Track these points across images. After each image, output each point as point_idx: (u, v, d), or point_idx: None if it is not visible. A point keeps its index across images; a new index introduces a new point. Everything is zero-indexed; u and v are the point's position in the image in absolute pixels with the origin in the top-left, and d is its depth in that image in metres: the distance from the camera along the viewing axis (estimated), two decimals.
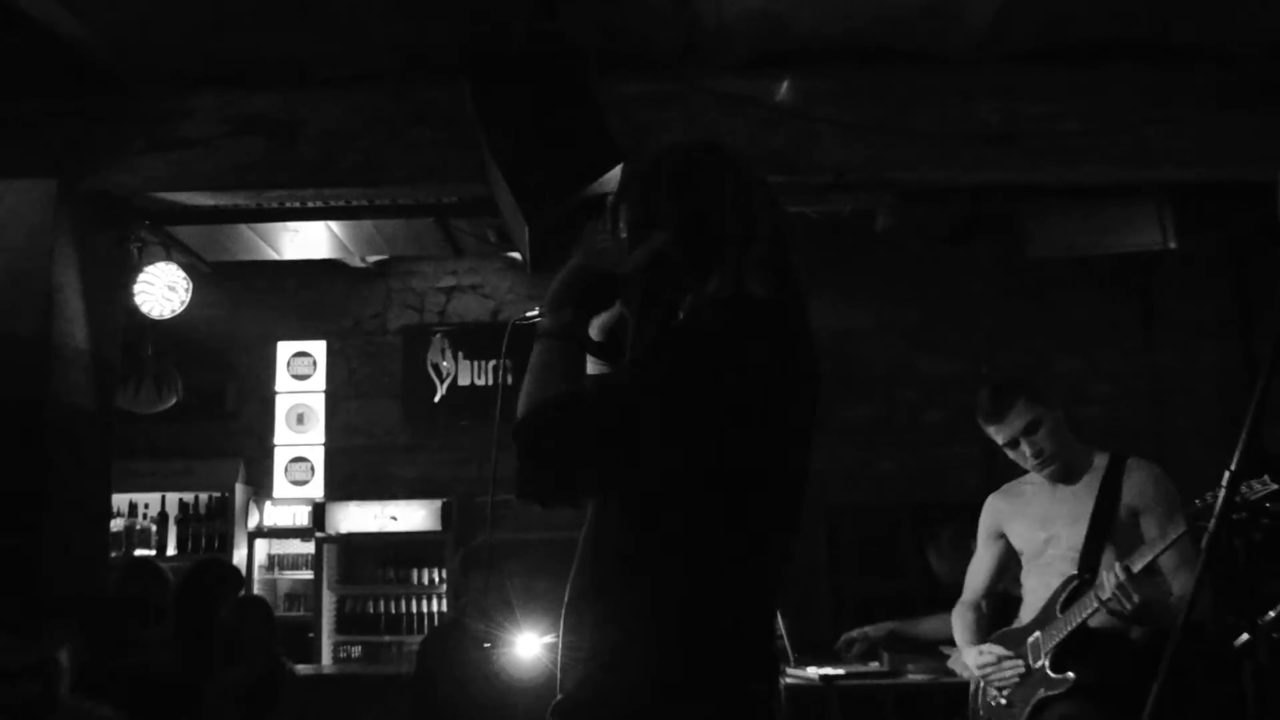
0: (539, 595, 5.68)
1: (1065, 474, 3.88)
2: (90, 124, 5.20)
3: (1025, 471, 4.00)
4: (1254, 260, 7.14)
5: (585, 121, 4.53)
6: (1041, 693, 3.72)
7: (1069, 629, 3.67)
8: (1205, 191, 5.75)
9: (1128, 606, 3.45)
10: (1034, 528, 3.93)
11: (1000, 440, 3.92)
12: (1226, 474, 2.35)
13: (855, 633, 5.25)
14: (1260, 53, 4.97)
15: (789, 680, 4.82)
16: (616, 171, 4.58)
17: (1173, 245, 5.80)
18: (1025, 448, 3.86)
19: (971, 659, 3.98)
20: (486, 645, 4.98)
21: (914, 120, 5.08)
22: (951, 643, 4.87)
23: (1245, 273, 7.26)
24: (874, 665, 5.13)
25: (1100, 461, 3.86)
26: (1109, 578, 3.50)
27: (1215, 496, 3.31)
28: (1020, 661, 3.80)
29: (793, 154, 5.02)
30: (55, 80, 5.05)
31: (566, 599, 2.27)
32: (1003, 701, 3.86)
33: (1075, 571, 3.73)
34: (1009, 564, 4.11)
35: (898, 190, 5.46)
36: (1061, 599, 3.73)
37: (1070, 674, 3.66)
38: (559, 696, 2.21)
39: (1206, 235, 6.30)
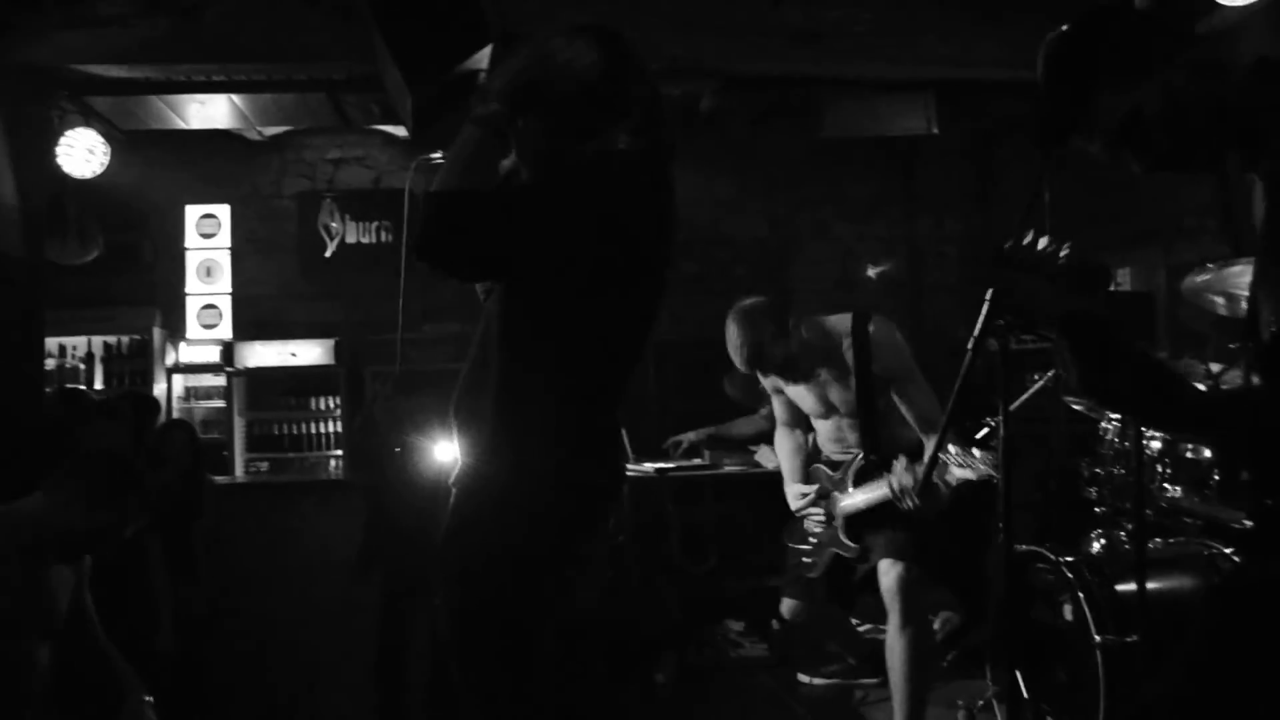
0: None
1: (817, 352, 3.70)
2: (12, 2, 4.75)
3: None
4: (997, 146, 7.31)
5: (461, 6, 4.33)
6: (833, 551, 3.74)
7: (857, 507, 3.63)
8: (964, 87, 5.83)
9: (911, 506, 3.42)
10: (810, 400, 3.80)
11: (763, 382, 3.84)
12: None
13: (680, 436, 5.33)
14: None
15: (630, 473, 4.88)
16: (486, 51, 4.42)
17: (935, 131, 5.89)
18: (796, 387, 3.77)
19: (791, 496, 3.94)
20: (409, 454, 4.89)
21: (735, 19, 5.01)
22: (755, 440, 4.96)
23: (989, 156, 7.44)
24: (697, 461, 5.22)
25: (845, 327, 3.64)
26: (895, 482, 3.41)
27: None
28: (825, 513, 3.80)
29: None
30: None
31: (456, 396, 2.25)
32: (812, 540, 3.86)
33: (857, 436, 3.66)
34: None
35: (718, 79, 5.39)
36: (853, 472, 3.66)
37: (856, 545, 3.65)
38: (459, 467, 2.20)
39: (962, 124, 6.39)
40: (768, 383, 3.97)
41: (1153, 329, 4.88)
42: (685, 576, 5.22)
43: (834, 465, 3.82)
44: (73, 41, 4.83)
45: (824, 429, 3.86)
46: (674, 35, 4.95)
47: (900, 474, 3.39)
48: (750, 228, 7.51)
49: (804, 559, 3.91)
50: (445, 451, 4.93)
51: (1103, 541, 3.31)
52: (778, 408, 4.06)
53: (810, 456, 4.00)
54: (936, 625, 4.28)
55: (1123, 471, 3.34)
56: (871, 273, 7.50)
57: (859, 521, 3.65)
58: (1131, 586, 2.97)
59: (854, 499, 3.65)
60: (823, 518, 3.82)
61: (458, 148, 2.16)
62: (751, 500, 4.93)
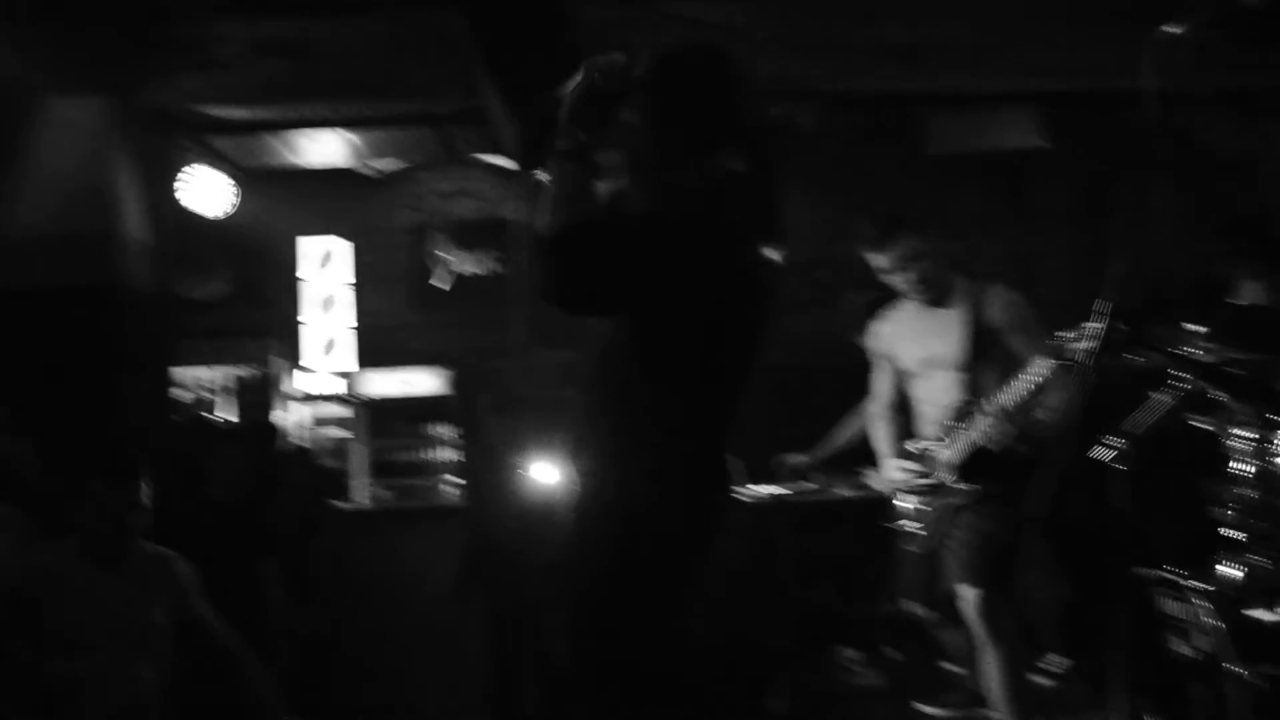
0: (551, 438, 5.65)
1: (938, 299, 3.71)
2: (139, 48, 4.95)
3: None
4: (1109, 159, 7.03)
5: (560, 37, 4.35)
6: (952, 502, 3.64)
7: (962, 449, 3.58)
8: (1072, 99, 5.63)
9: (1008, 433, 3.42)
10: (914, 348, 3.78)
11: (883, 266, 3.74)
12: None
13: (788, 457, 5.20)
14: None
15: (742, 498, 4.79)
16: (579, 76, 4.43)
17: (1043, 145, 5.70)
18: (910, 273, 3.69)
19: (890, 470, 3.89)
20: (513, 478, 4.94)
21: (834, 37, 4.93)
22: (862, 452, 4.83)
23: (1099, 169, 7.15)
24: (807, 485, 5.08)
25: (965, 286, 3.70)
26: (988, 411, 3.44)
27: (1073, 333, 3.25)
28: (927, 475, 3.72)
29: None
30: (105, 7, 4.78)
31: (570, 420, 2.24)
32: (923, 509, 3.76)
33: (959, 387, 3.61)
34: (900, 376, 3.97)
35: (819, 98, 5.31)
36: (955, 420, 3.63)
37: (973, 487, 3.58)
38: (575, 490, 2.20)
39: (1072, 137, 6.17)
40: (875, 340, 3.98)
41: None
42: (799, 603, 5.10)
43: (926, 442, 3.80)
44: (194, 85, 5.02)
45: (923, 391, 3.79)
46: (773, 55, 4.89)
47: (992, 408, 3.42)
48: (853, 248, 7.34)
49: (908, 532, 3.82)
50: (545, 473, 4.96)
51: (1237, 567, 3.09)
52: (878, 382, 4.02)
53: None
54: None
55: (1258, 493, 3.12)
56: None
57: (967, 470, 3.61)
58: (1269, 615, 2.76)
59: (960, 443, 3.61)
60: (925, 490, 3.75)
61: (555, 186, 2.13)
62: (863, 524, 4.79)
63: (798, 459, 5.20)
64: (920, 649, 4.56)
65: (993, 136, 5.77)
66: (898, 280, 3.74)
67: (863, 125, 5.83)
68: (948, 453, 3.63)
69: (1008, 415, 3.39)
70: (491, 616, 4.63)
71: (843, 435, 5.15)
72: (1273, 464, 3.19)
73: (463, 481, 6.89)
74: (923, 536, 3.76)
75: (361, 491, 7.21)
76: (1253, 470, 3.24)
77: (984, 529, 3.54)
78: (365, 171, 7.27)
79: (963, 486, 3.60)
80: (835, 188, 7.20)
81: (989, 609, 3.41)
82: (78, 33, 4.83)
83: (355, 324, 7.40)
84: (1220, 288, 4.20)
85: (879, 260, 3.74)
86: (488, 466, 5.39)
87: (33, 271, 4.81)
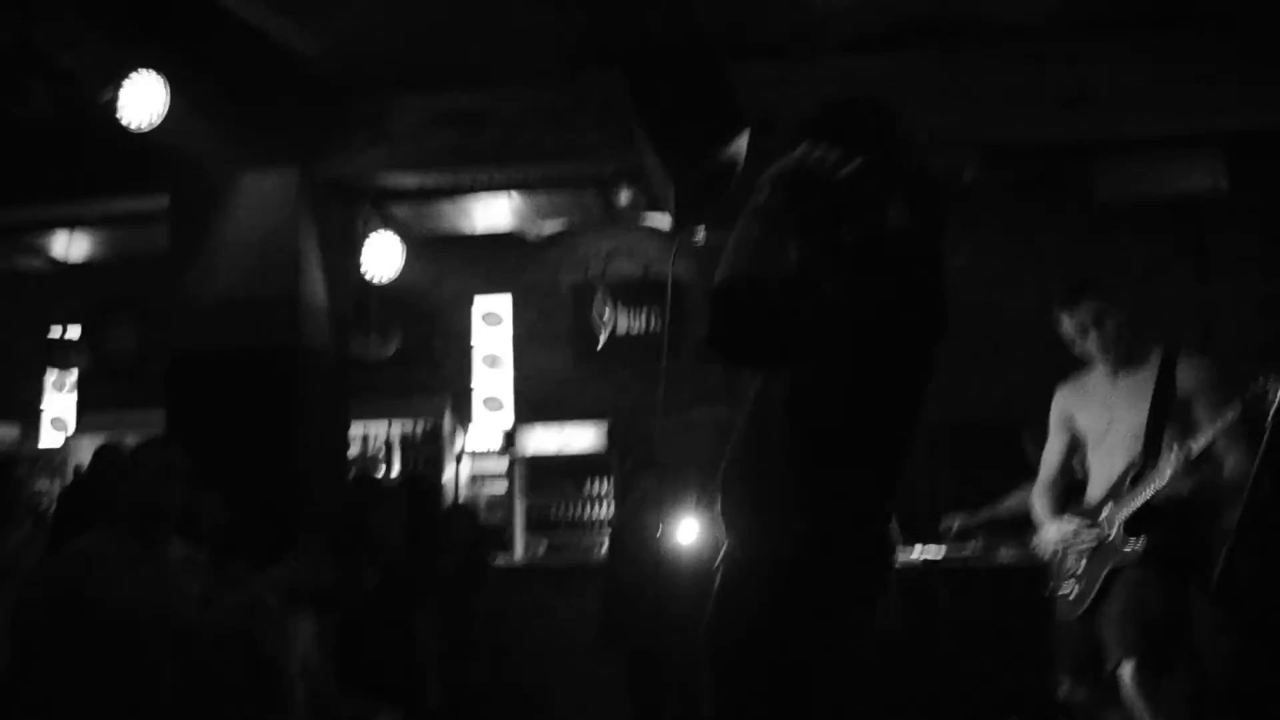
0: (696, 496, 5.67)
1: (1126, 362, 3.64)
2: (321, 122, 5.27)
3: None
4: None
5: (717, 97, 4.43)
6: (1114, 562, 3.49)
7: (1138, 503, 3.45)
8: (1255, 140, 5.38)
9: (1186, 486, 3.30)
10: (1098, 413, 3.70)
11: (1072, 326, 3.69)
12: None
13: (955, 520, 5.08)
14: None
15: (900, 560, 4.67)
16: (744, 139, 4.48)
17: (1223, 187, 5.44)
18: (1094, 335, 3.63)
19: (1053, 530, 3.75)
20: (658, 533, 4.96)
21: (996, 85, 4.85)
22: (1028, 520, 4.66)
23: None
24: (969, 549, 4.94)
25: (1156, 354, 3.62)
26: (1171, 460, 3.33)
27: (1265, 384, 3.10)
28: (1095, 531, 3.58)
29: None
30: (292, 88, 5.12)
31: (724, 477, 2.22)
32: (1080, 568, 3.62)
33: (1139, 451, 3.49)
34: (1077, 448, 3.86)
35: (977, 148, 5.22)
36: (1130, 477, 3.51)
37: (1140, 540, 3.43)
38: (724, 547, 2.18)
39: (1254, 178, 5.87)
40: (1058, 407, 3.88)
41: None
42: (958, 670, 4.91)
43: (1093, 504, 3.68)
44: (372, 155, 5.31)
45: (1097, 456, 3.70)
46: (931, 105, 4.85)
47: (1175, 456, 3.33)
48: (1021, 302, 7.11)
49: (1068, 597, 3.65)
50: (691, 529, 4.97)
51: None
52: (1050, 453, 3.92)
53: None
54: None
55: None
56: None
57: (1136, 524, 3.48)
58: None
59: (1131, 498, 3.50)
60: (1085, 547, 3.60)
61: (737, 239, 2.15)
62: (1030, 590, 4.59)
63: (961, 520, 5.07)
64: None
65: (1166, 182, 5.54)
66: (1086, 344, 3.69)
67: (1026, 174, 5.68)
68: (1119, 512, 3.51)
69: (1188, 468, 3.24)
70: (632, 668, 4.63)
71: (1010, 502, 5.01)
72: None
73: (609, 533, 6.94)
74: (1076, 597, 3.60)
75: (517, 547, 7.38)
76: None
77: (1145, 593, 3.37)
78: (529, 235, 7.52)
79: (1127, 545, 3.44)
80: (1000, 241, 7.05)
81: (1148, 685, 3.21)
82: (269, 110, 5.20)
83: (517, 381, 7.63)
84: None
85: (1066, 324, 3.70)
86: (633, 520, 5.42)
87: (222, 333, 5.15)
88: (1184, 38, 4.75)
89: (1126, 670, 3.31)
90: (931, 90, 4.81)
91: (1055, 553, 3.77)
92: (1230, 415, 3.23)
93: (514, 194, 5.92)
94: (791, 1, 4.55)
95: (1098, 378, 3.75)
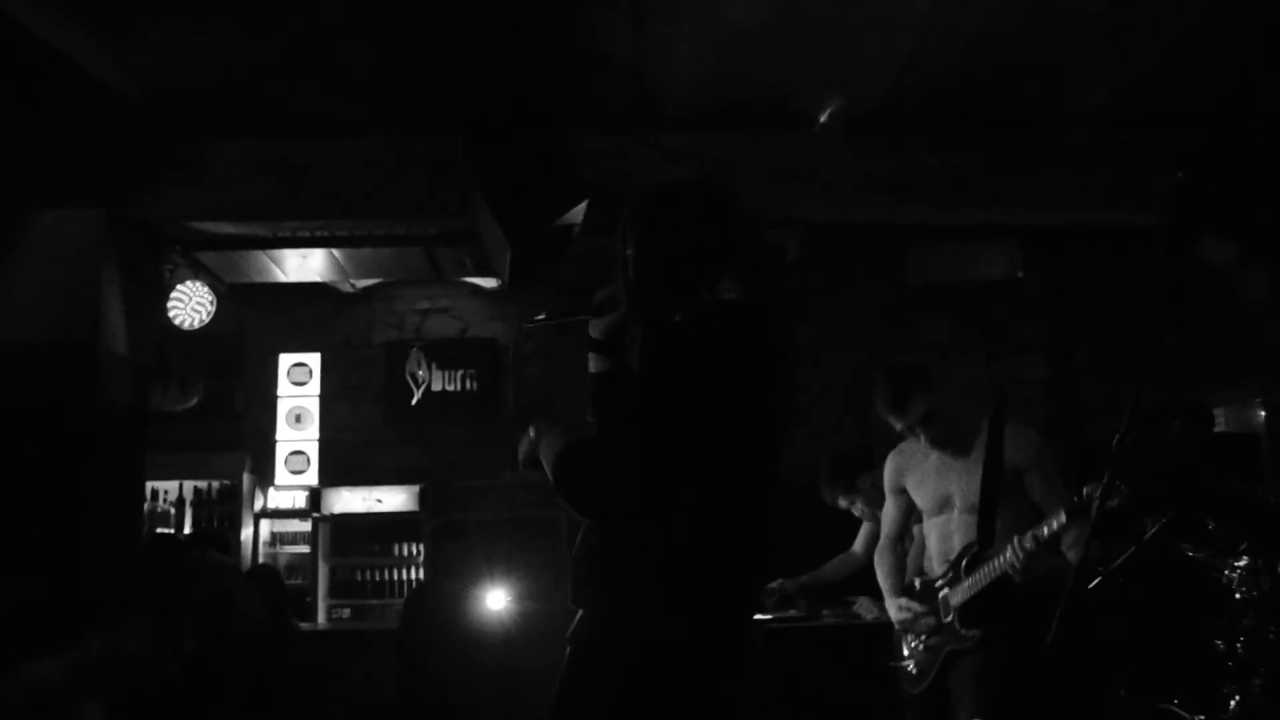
0: (503, 562, 5.64)
1: (951, 435, 3.71)
2: (133, 162, 5.02)
3: None
4: (1077, 289, 7.25)
5: (557, 167, 4.50)
6: (951, 646, 3.58)
7: (973, 592, 3.52)
8: (1048, 233, 5.86)
9: (1030, 574, 3.33)
10: (930, 487, 3.77)
11: (899, 427, 3.75)
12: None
13: (774, 584, 5.17)
14: (1093, 120, 5.08)
15: None
16: (582, 207, 4.55)
17: (1020, 274, 5.89)
18: (921, 434, 3.72)
19: (893, 611, 3.83)
20: (456, 600, 4.90)
21: (821, 171, 5.12)
22: (851, 582, 4.81)
23: (1073, 300, 7.36)
24: (793, 612, 5.07)
25: (983, 425, 3.65)
26: (1012, 550, 3.35)
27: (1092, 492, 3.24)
28: (933, 617, 3.66)
29: None
30: (104, 124, 4.85)
31: (578, 553, 2.21)
32: (920, 649, 3.71)
33: (974, 530, 3.56)
34: (914, 509, 3.93)
35: (803, 227, 5.47)
36: (965, 562, 3.57)
37: (976, 631, 3.51)
38: (574, 625, 2.16)
39: (1046, 267, 6.39)
40: (890, 474, 3.94)
41: (1259, 469, 4.73)
42: None
43: (933, 580, 3.74)
44: (187, 200, 5.10)
45: (934, 530, 3.77)
46: (760, 187, 5.06)
47: (1015, 545, 3.34)
48: (833, 374, 7.44)
49: (909, 671, 3.75)
50: (498, 600, 4.93)
51: (1237, 698, 3.14)
52: (889, 516, 4.00)
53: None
54: None
55: (1253, 621, 3.20)
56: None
57: (972, 613, 3.54)
58: None
59: (968, 585, 3.54)
60: (926, 630, 3.69)
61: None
62: (849, 652, 4.76)
63: (783, 584, 5.18)
64: None
65: (970, 267, 5.96)
66: (912, 438, 3.79)
67: (844, 254, 5.99)
68: (955, 596, 3.59)
69: (1030, 557, 3.31)
70: None
71: (834, 572, 5.16)
72: (1261, 591, 3.27)
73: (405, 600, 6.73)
74: (917, 675, 3.70)
75: (320, 611, 7.09)
76: (1244, 598, 3.32)
77: (983, 676, 3.45)
78: (343, 288, 7.34)
79: (964, 632, 3.53)
80: (815, 314, 7.36)
81: None
82: (72, 144, 4.91)
83: (324, 439, 7.38)
84: (1204, 417, 4.33)
85: (894, 422, 3.74)
86: (429, 591, 5.34)
87: (13, 378, 4.78)
88: (994, 134, 5.16)
89: None
90: (760, 172, 5.04)
91: (897, 630, 3.85)
92: (1061, 513, 3.25)
93: (336, 250, 5.77)
94: (630, 76, 4.67)
95: (924, 450, 3.81)
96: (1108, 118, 5.03)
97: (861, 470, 4.92)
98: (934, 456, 3.77)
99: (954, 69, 4.63)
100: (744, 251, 2.25)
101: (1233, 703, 3.15)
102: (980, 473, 3.56)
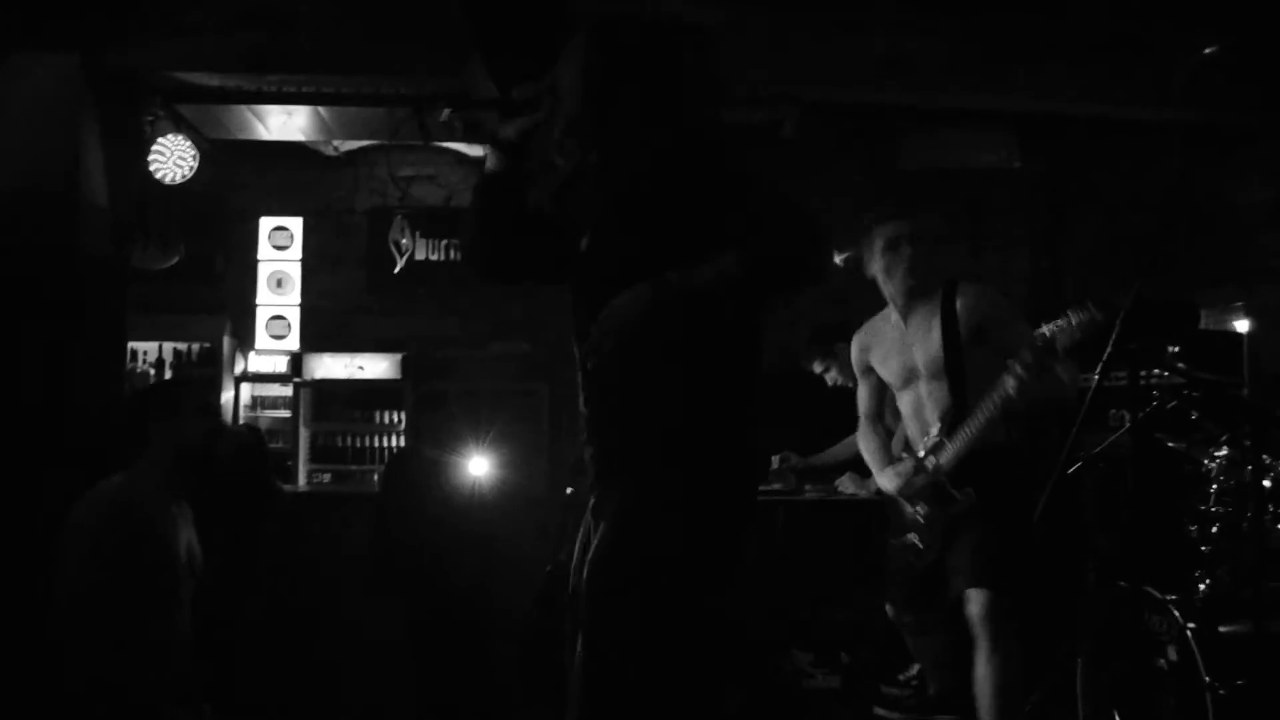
0: (484, 431, 5.64)
1: (920, 295, 3.64)
2: (112, 7, 4.82)
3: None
4: (1068, 184, 7.17)
5: (553, 16, 4.34)
6: (948, 514, 3.56)
7: (961, 451, 3.51)
8: (1044, 122, 5.77)
9: (1038, 379, 3.23)
10: (894, 361, 3.74)
11: (881, 243, 3.67)
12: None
13: (782, 457, 5.16)
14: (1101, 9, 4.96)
15: None
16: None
17: (1017, 165, 5.82)
18: (903, 251, 3.62)
19: (886, 481, 3.80)
20: (437, 466, 4.91)
21: (819, 48, 5.00)
22: (851, 464, 4.82)
23: (1061, 194, 7.29)
24: (777, 486, 5.09)
25: (937, 291, 3.62)
26: (1021, 356, 3.26)
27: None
28: (927, 477, 3.62)
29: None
30: None
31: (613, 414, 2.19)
32: (921, 520, 3.69)
33: (944, 396, 3.57)
34: (885, 388, 3.92)
35: (802, 105, 5.36)
36: (944, 426, 3.56)
37: (969, 489, 3.50)
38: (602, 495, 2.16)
39: (1041, 160, 6.30)
40: (856, 354, 3.93)
41: (1239, 369, 4.76)
42: (752, 606, 5.11)
43: (918, 452, 3.73)
44: (168, 49, 4.92)
45: (906, 403, 3.76)
46: (758, 61, 4.94)
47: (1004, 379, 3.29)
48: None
49: (916, 544, 3.73)
50: (479, 467, 4.95)
51: (1207, 581, 3.22)
52: (861, 396, 3.99)
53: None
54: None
55: (1229, 510, 3.25)
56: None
57: (962, 473, 3.53)
58: (1237, 629, 2.89)
59: (954, 447, 3.53)
60: (922, 493, 3.67)
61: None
62: (826, 529, 4.83)
63: (793, 460, 5.18)
64: (877, 654, 4.62)
65: (964, 154, 5.88)
66: (890, 262, 3.65)
67: (838, 135, 5.90)
68: (944, 459, 3.57)
69: (1039, 353, 3.19)
70: (412, 618, 4.61)
71: (835, 455, 5.15)
72: (1239, 481, 3.31)
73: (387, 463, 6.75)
74: (924, 546, 3.69)
75: (300, 475, 7.13)
76: (1221, 488, 3.37)
77: (991, 533, 3.45)
78: (327, 150, 7.18)
79: (959, 494, 3.51)
80: (811, 192, 7.24)
81: (997, 613, 3.34)
82: None
83: (305, 305, 7.31)
84: (1188, 312, 4.34)
85: (876, 241, 3.65)
86: (410, 457, 5.35)
87: None
88: (993, 16, 5.03)
89: (980, 599, 3.38)
90: (759, 45, 4.90)
91: (894, 500, 3.82)
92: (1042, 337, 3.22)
93: (321, 107, 5.61)
94: None
95: (889, 323, 3.79)
96: (1114, 7, 4.92)
97: (838, 339, 4.90)
98: (895, 330, 3.75)
99: None
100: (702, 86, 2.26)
101: (1202, 586, 3.22)
102: (939, 337, 3.55)
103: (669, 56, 2.20)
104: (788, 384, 4.92)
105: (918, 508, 3.71)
